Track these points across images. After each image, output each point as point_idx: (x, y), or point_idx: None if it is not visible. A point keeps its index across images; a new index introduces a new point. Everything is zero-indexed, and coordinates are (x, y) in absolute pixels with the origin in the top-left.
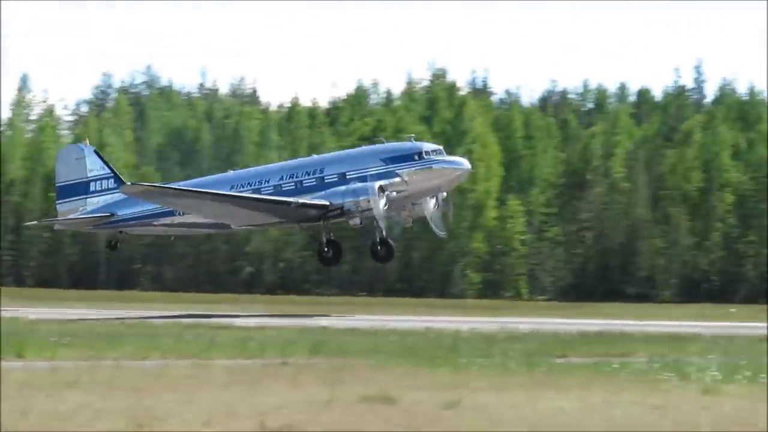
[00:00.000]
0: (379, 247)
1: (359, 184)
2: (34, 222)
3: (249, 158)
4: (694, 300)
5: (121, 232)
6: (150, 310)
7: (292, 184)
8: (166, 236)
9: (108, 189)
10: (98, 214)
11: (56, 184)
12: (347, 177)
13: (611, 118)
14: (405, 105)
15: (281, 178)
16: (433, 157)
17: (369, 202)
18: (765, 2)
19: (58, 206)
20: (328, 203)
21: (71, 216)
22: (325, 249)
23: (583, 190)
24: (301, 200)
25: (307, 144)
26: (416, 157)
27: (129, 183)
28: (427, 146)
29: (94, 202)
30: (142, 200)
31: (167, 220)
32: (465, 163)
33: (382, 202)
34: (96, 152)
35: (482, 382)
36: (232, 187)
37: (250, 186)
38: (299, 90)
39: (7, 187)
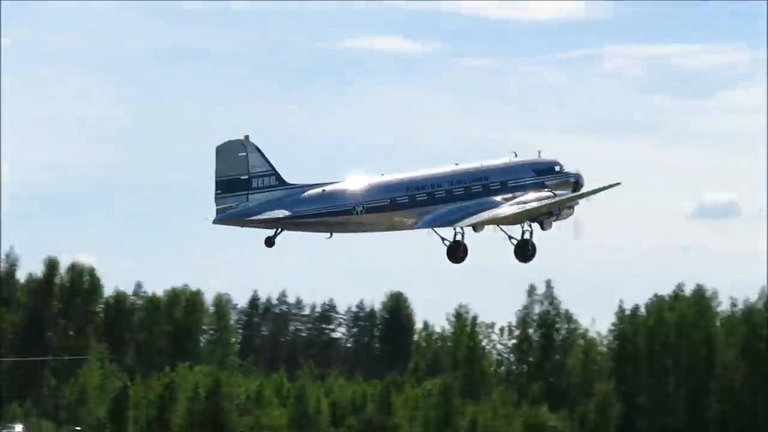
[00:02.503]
0: (529, 247)
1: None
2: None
3: None
4: None
5: (279, 229)
6: None
7: (461, 189)
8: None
9: (270, 186)
10: (277, 213)
11: (216, 179)
12: (508, 185)
13: None
14: None
15: (451, 184)
16: (565, 170)
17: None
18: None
19: (217, 201)
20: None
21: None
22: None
23: None
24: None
25: None
26: (557, 169)
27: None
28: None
29: (257, 198)
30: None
31: (342, 218)
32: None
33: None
34: (258, 149)
35: None
36: (407, 189)
37: (425, 190)
38: None
39: None
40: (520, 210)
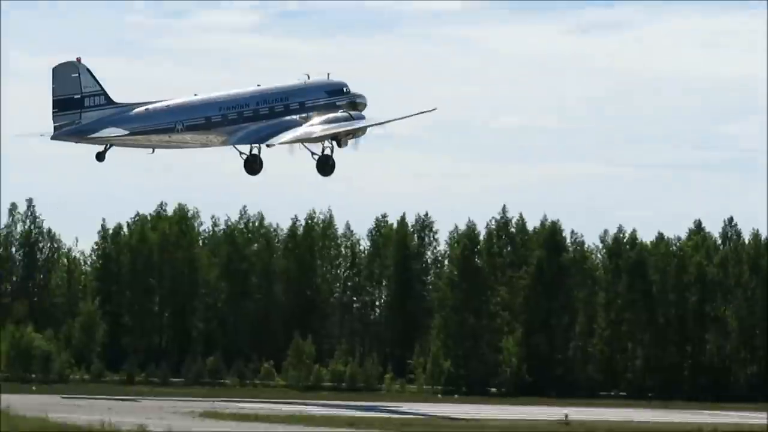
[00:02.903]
0: (330, 162)
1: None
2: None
3: None
4: None
5: (108, 145)
6: None
7: (267, 109)
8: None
9: (100, 105)
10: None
11: (53, 98)
12: (305, 105)
13: None
14: None
15: (258, 104)
16: (351, 91)
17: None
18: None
19: (54, 118)
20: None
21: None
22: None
23: None
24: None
25: None
26: (345, 90)
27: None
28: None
29: (89, 116)
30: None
31: (165, 137)
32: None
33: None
34: (89, 70)
35: None
36: (220, 109)
37: (235, 110)
38: None
39: None
40: (331, 131)
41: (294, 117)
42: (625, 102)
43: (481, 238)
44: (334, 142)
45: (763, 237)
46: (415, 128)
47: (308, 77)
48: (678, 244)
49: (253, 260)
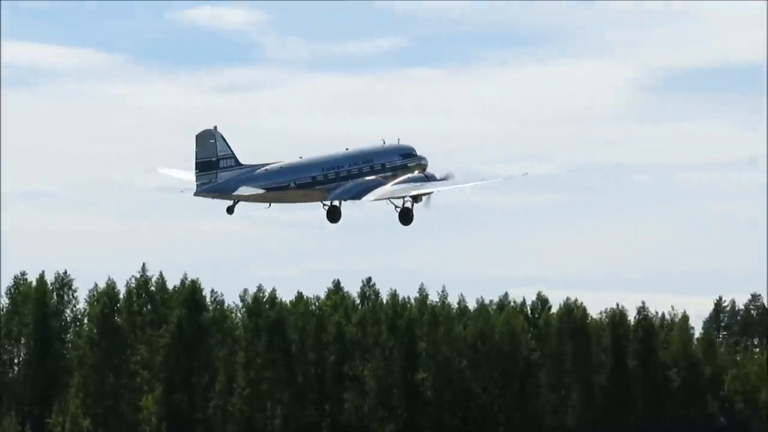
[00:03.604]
0: (411, 214)
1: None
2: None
3: None
4: None
5: (237, 201)
6: None
7: (357, 169)
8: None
9: (231, 167)
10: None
11: (196, 161)
12: (385, 166)
13: None
14: None
15: (350, 165)
16: (417, 153)
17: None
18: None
19: (197, 178)
20: None
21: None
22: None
23: None
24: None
25: None
26: (413, 154)
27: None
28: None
29: (223, 176)
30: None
31: (281, 193)
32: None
33: None
34: (222, 137)
35: None
36: (322, 170)
37: (333, 170)
38: None
39: None
40: (420, 191)
41: (377, 177)
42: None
43: (121, 296)
44: (411, 199)
45: (401, 297)
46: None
47: (384, 142)
48: (317, 303)
49: None
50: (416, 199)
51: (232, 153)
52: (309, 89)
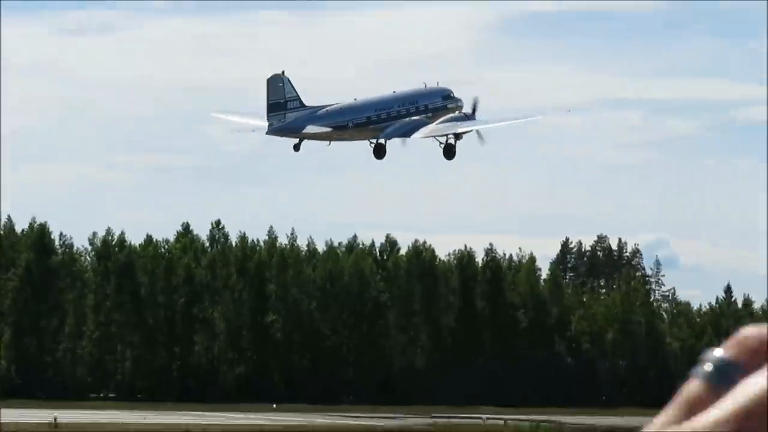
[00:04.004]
0: (454, 150)
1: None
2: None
3: None
4: None
5: (301, 139)
6: None
7: (405, 110)
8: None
9: (296, 108)
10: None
11: (268, 103)
12: (429, 107)
13: None
14: None
15: (399, 105)
16: (454, 95)
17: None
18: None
19: (268, 118)
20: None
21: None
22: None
23: None
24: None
25: None
26: (452, 95)
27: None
28: None
29: (290, 116)
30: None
31: (341, 132)
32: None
33: None
34: (289, 80)
35: None
36: (375, 110)
37: (384, 110)
38: None
39: None
40: (462, 129)
41: (421, 117)
42: (104, 106)
43: None
44: (454, 136)
45: (250, 239)
46: None
47: (425, 85)
48: (166, 246)
49: None
50: (458, 136)
51: (297, 95)
52: (159, 33)
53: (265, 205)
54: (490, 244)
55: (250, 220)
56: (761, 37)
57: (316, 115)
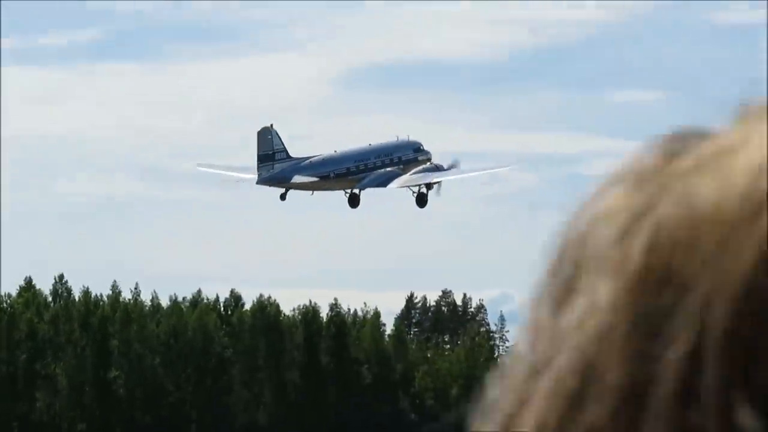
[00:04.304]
0: (426, 198)
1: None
2: (235, 175)
3: None
4: None
5: (287, 190)
6: None
7: (380, 161)
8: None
9: (283, 159)
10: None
11: (258, 154)
12: (402, 159)
13: None
14: None
15: (376, 157)
16: (424, 148)
17: None
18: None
19: (258, 169)
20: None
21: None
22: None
23: None
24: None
25: None
26: (422, 149)
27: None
28: None
29: (277, 167)
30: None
31: (323, 182)
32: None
33: None
34: (277, 133)
35: None
36: (354, 162)
37: (363, 162)
38: None
39: None
40: (433, 180)
41: (395, 168)
42: None
43: None
44: (425, 186)
45: (93, 294)
46: None
47: (398, 138)
48: (9, 300)
49: None
50: (429, 186)
51: (284, 147)
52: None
53: (109, 259)
54: (335, 299)
55: (93, 275)
56: (608, 90)
57: (301, 165)
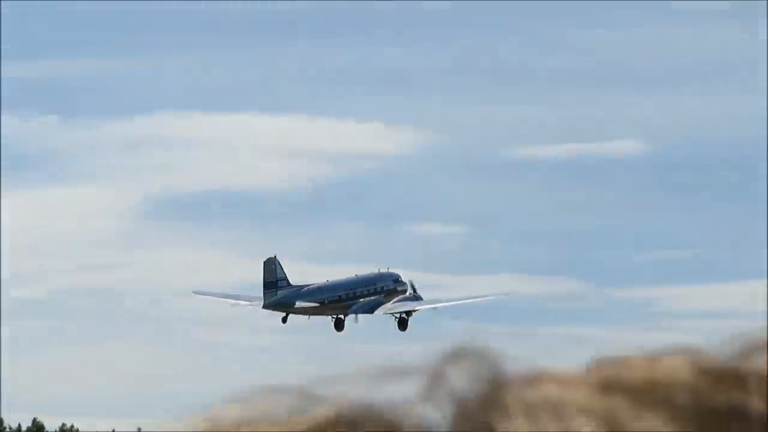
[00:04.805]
0: (407, 324)
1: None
2: (246, 303)
3: None
4: None
5: (288, 314)
6: None
7: (366, 290)
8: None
9: (284, 287)
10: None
11: (264, 281)
12: (383, 288)
13: None
14: None
15: (363, 286)
16: (402, 279)
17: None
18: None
19: (264, 295)
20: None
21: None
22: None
23: None
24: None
25: None
26: (400, 279)
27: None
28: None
29: (279, 293)
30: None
31: (320, 308)
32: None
33: None
34: (279, 263)
35: None
36: (345, 290)
37: (352, 290)
38: None
39: None
40: (408, 308)
41: (378, 297)
42: None
43: None
44: (406, 313)
45: None
46: None
47: (379, 269)
48: None
49: None
50: (409, 313)
51: (285, 276)
52: None
53: None
54: (138, 428)
55: None
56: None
57: (300, 292)
